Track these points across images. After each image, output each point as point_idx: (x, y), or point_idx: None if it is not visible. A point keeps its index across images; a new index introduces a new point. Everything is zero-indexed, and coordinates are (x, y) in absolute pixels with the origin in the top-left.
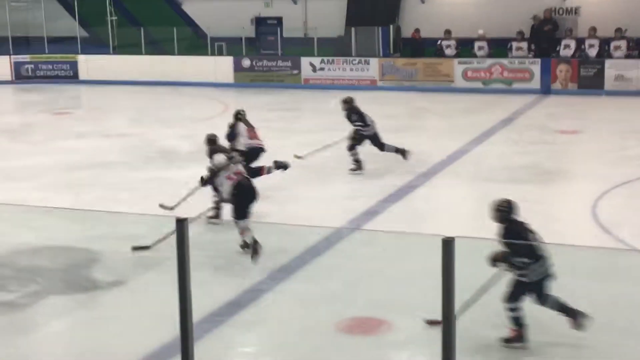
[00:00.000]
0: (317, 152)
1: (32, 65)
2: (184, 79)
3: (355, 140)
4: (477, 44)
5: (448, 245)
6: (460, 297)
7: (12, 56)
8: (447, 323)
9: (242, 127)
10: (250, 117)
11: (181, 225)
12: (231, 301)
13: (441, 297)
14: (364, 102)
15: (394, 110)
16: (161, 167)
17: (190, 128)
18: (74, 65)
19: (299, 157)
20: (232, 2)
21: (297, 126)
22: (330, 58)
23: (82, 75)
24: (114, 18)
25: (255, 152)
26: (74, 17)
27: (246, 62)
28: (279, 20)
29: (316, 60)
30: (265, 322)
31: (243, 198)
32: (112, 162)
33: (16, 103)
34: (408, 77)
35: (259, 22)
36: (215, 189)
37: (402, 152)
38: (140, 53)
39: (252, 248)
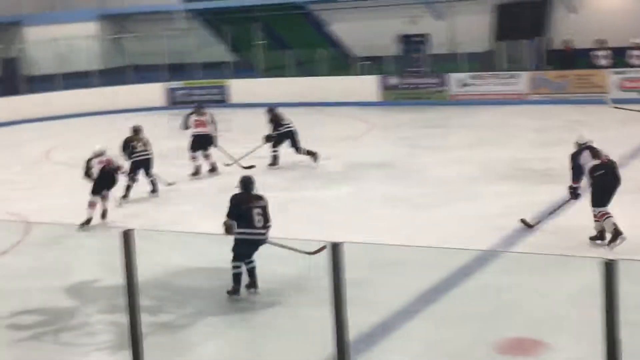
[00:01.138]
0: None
1: (186, 91)
2: (330, 99)
3: (271, 139)
4: (631, 53)
5: (609, 267)
6: (624, 317)
7: (166, 83)
8: (610, 345)
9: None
10: (396, 134)
11: (336, 249)
12: (383, 322)
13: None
14: (514, 116)
15: (546, 123)
16: (309, 186)
17: (337, 147)
18: (224, 89)
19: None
20: (377, 21)
21: (444, 143)
22: (478, 73)
23: (232, 99)
24: (263, 42)
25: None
26: (225, 43)
27: (392, 81)
28: (425, 37)
29: (464, 76)
30: (418, 342)
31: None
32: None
33: (170, 128)
34: (559, 90)
35: (404, 39)
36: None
37: (312, 155)
38: (287, 75)
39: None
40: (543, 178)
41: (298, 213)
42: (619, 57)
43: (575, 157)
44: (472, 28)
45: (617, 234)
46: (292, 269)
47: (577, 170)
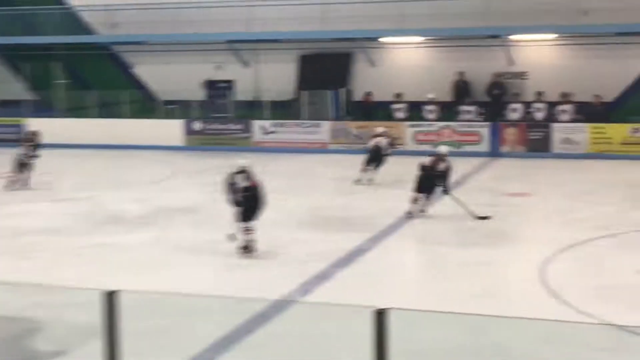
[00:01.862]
0: None
1: None
2: (135, 142)
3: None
4: (426, 108)
5: (380, 317)
6: None
7: None
8: None
9: None
10: (200, 180)
11: (111, 298)
12: None
13: None
14: (316, 164)
15: (346, 172)
16: (111, 232)
17: (140, 192)
18: (21, 128)
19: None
20: (183, 65)
21: None
22: (282, 121)
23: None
24: (64, 81)
25: None
26: (24, 81)
27: (197, 125)
28: (230, 83)
29: (267, 124)
30: None
31: None
32: (59, 228)
33: None
34: (359, 140)
35: (210, 85)
36: None
37: None
38: (90, 116)
39: None
40: (342, 225)
41: (93, 258)
42: (415, 111)
43: (229, 179)
44: (278, 76)
45: (250, 247)
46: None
47: (229, 189)
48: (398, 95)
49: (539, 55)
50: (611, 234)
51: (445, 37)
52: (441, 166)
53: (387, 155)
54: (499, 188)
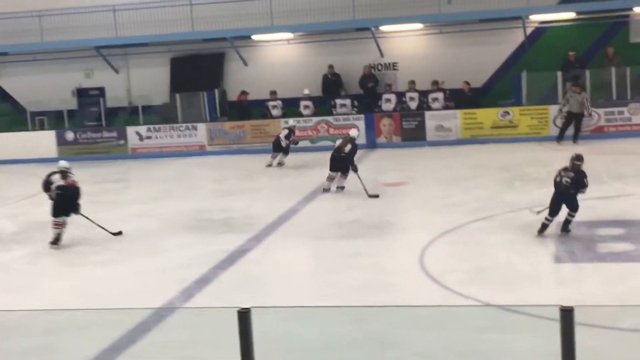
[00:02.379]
0: None
1: None
2: (5, 157)
3: None
4: (302, 103)
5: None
6: None
7: None
8: None
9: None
10: None
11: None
12: None
13: None
14: (195, 167)
15: (224, 174)
16: None
17: (12, 207)
18: None
19: None
20: (51, 75)
21: (125, 197)
22: (157, 126)
23: None
24: None
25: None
26: None
27: (69, 135)
28: (102, 91)
29: (142, 129)
30: None
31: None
32: None
33: None
34: (236, 140)
35: (81, 93)
36: None
37: None
38: None
39: None
40: (223, 227)
41: None
42: (291, 107)
43: (48, 177)
44: (150, 80)
45: (58, 239)
46: None
47: (45, 186)
48: (273, 92)
49: (408, 46)
50: (486, 217)
51: (316, 32)
52: (346, 148)
53: (288, 146)
54: (376, 178)
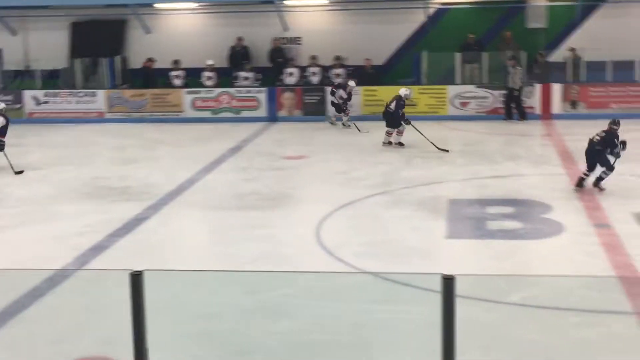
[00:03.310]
0: None
1: None
2: None
3: None
4: (205, 74)
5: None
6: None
7: None
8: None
9: None
10: None
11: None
12: None
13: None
14: (94, 134)
15: (123, 142)
16: None
17: None
18: None
19: None
20: None
21: (21, 162)
22: (55, 91)
23: None
24: None
25: None
26: None
27: None
28: None
29: (39, 94)
30: None
31: None
32: None
33: None
34: (137, 109)
35: None
36: None
37: None
38: None
39: None
40: (120, 195)
41: None
42: (194, 77)
43: None
44: (49, 44)
45: None
46: None
47: None
48: (175, 62)
49: (312, 20)
50: (384, 192)
51: (221, 3)
52: (392, 105)
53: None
54: (277, 151)
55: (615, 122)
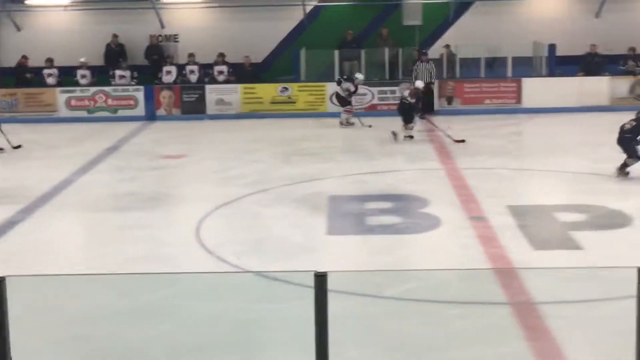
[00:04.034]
0: None
1: None
2: None
3: None
4: (79, 72)
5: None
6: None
7: None
8: None
9: None
10: None
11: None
12: None
13: None
14: None
15: None
16: None
17: None
18: None
19: None
20: None
21: None
22: None
23: None
24: None
25: None
26: None
27: None
28: None
29: None
30: None
31: None
32: None
33: None
34: (9, 108)
35: None
36: None
37: None
38: None
39: None
40: None
41: None
42: (68, 76)
43: None
44: None
45: None
46: None
47: None
48: (49, 60)
49: (189, 18)
50: (263, 189)
51: (94, 0)
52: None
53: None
54: (155, 151)
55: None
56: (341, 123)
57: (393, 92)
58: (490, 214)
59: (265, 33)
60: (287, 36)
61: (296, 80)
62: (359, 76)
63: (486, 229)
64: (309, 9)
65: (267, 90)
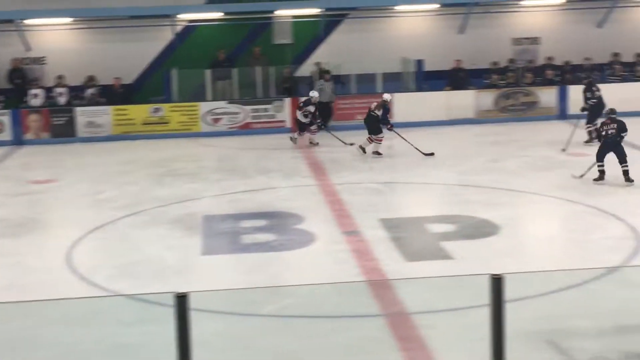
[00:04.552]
0: None
1: None
2: None
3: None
4: None
5: None
6: None
7: None
8: None
9: None
10: None
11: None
12: None
13: None
14: None
15: None
16: None
17: None
18: None
19: None
20: None
21: None
22: None
23: None
24: None
25: None
26: None
27: None
28: None
29: None
30: None
31: None
32: None
33: None
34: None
35: None
36: None
37: None
38: None
39: None
40: None
41: None
42: None
43: None
44: None
45: None
46: None
47: None
48: None
49: (57, 40)
50: (136, 212)
51: None
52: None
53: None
54: (24, 176)
55: (613, 112)
56: (311, 142)
57: (266, 110)
58: (364, 228)
59: (135, 54)
60: (158, 56)
61: (168, 100)
62: (314, 94)
63: (360, 243)
64: (179, 28)
65: (138, 112)
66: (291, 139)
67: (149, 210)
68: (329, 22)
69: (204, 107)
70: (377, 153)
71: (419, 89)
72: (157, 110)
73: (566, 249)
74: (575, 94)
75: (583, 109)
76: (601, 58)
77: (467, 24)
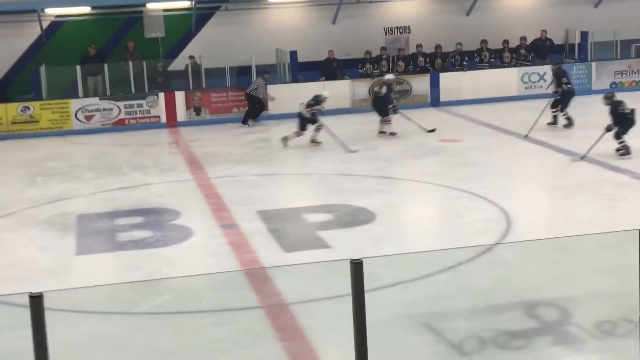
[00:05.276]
0: None
1: None
2: None
3: None
4: None
5: None
6: None
7: None
8: None
9: None
10: None
11: None
12: None
13: None
14: None
15: None
16: None
17: None
18: None
19: None
20: None
21: None
22: None
23: None
24: None
25: None
26: None
27: None
28: None
29: None
30: None
31: None
32: None
33: None
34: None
35: None
36: None
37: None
38: None
39: None
40: None
41: None
42: None
43: None
44: None
45: None
46: None
47: None
48: None
49: None
50: (7, 214)
51: None
52: (383, 90)
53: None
54: None
55: (607, 97)
56: (313, 141)
57: (140, 105)
58: (241, 221)
59: (1, 51)
60: (25, 53)
61: (37, 98)
62: (325, 93)
63: (237, 236)
64: (46, 24)
65: (6, 111)
66: (284, 139)
67: (20, 211)
68: (201, 15)
69: (75, 104)
70: (392, 134)
71: (294, 80)
72: (26, 108)
73: (441, 232)
74: (446, 81)
75: (556, 92)
76: (470, 46)
77: (339, 15)
